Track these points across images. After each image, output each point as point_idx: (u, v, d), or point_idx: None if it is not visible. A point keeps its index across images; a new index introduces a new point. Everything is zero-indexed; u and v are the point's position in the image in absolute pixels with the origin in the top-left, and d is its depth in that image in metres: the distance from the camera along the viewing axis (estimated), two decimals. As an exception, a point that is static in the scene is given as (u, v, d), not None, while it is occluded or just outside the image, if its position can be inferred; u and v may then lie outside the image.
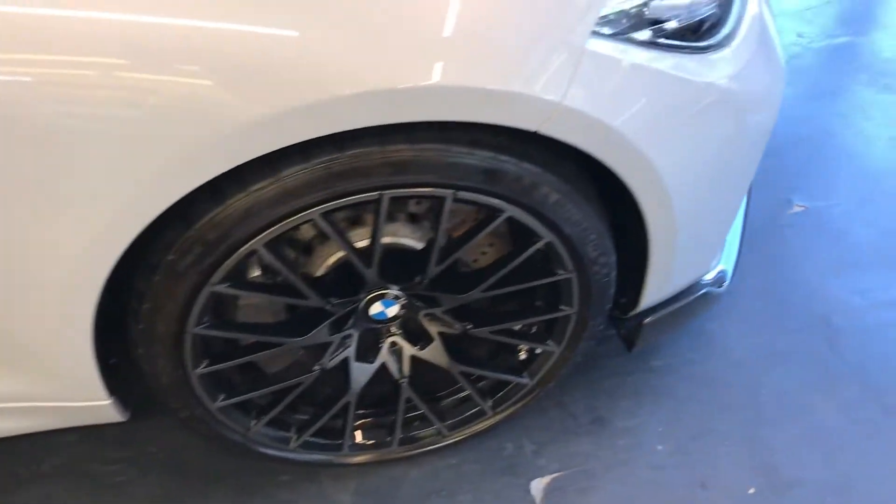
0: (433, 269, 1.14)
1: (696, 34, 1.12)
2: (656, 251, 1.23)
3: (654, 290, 1.31)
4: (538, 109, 0.97)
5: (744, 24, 1.20)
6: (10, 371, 1.12)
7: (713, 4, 1.12)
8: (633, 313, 1.37)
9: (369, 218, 1.15)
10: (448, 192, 1.05)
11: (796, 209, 2.04)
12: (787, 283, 1.84)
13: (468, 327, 1.26)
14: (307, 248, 1.20)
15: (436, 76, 0.91)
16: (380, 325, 1.25)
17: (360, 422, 1.41)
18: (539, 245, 1.14)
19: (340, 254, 1.16)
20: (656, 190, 1.12)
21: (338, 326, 1.22)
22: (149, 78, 0.84)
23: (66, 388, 1.15)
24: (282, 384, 1.25)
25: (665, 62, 1.06)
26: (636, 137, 1.05)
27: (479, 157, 1.02)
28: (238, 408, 1.27)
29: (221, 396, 1.23)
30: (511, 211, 1.09)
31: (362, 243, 1.16)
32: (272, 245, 1.04)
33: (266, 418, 1.28)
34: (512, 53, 0.95)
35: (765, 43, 1.24)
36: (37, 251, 0.95)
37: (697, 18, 1.11)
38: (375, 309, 1.22)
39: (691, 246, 1.29)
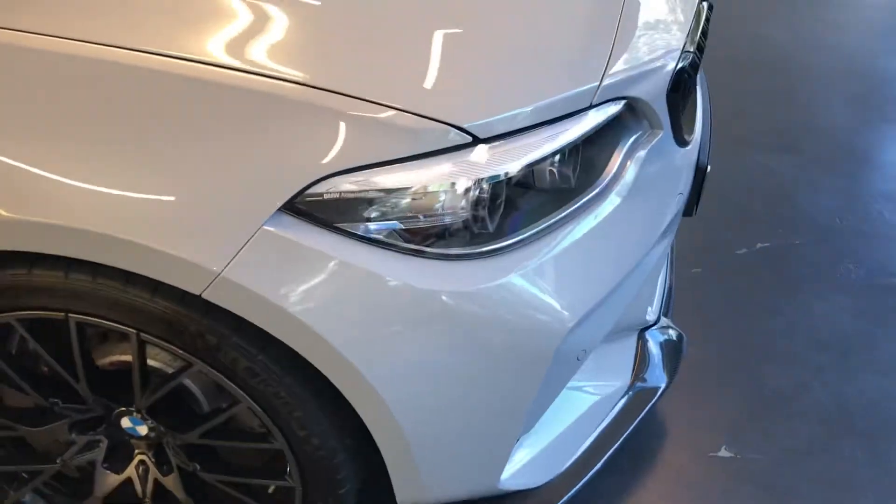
0: (140, 400, 1.17)
1: (437, 238, 1.08)
2: (384, 446, 1.16)
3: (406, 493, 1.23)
4: (199, 275, 0.99)
5: (541, 244, 1.13)
6: None
7: (445, 211, 1.06)
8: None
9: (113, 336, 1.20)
10: (132, 332, 1.08)
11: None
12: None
13: (197, 468, 1.26)
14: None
15: (92, 222, 0.96)
16: (133, 440, 1.29)
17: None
18: (235, 409, 1.13)
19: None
20: (359, 387, 1.07)
21: (83, 428, 1.27)
22: None
23: None
24: (24, 466, 1.32)
25: (367, 257, 1.03)
26: (316, 322, 1.02)
27: (161, 306, 1.05)
28: (1, 475, 1.36)
29: (-21, 459, 1.32)
30: (199, 366, 1.09)
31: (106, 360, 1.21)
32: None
33: (21, 492, 1.35)
34: (181, 217, 0.98)
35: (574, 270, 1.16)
36: None
37: (430, 223, 1.06)
38: (126, 423, 1.26)
39: (444, 456, 1.20)
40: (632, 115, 1.29)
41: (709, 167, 1.59)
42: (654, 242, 1.35)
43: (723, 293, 2.14)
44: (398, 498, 1.25)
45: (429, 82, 1.09)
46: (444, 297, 1.06)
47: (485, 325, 1.09)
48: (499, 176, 1.08)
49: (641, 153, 1.29)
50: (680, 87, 1.36)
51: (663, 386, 1.59)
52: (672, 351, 1.65)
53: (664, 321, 1.68)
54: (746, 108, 3.00)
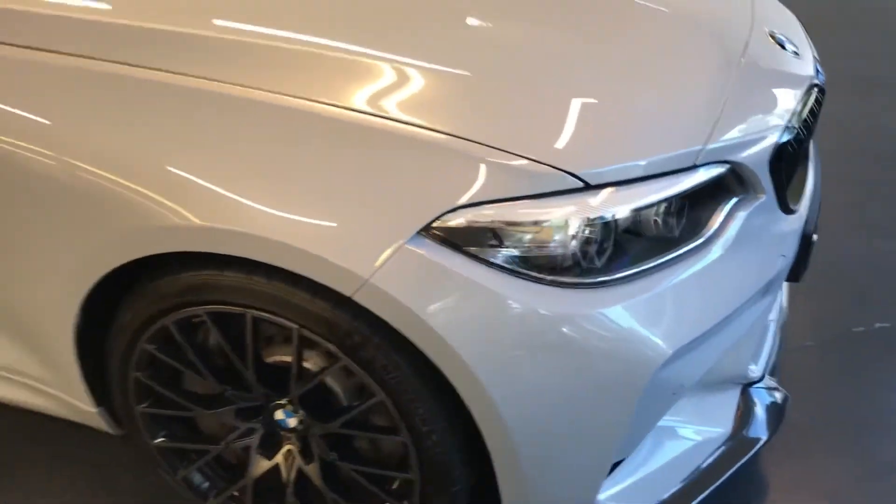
0: (294, 391, 1.40)
1: (559, 267, 1.27)
2: (496, 454, 1.33)
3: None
4: (350, 280, 1.22)
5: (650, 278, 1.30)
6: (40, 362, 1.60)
7: (559, 244, 1.25)
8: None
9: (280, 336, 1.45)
10: (295, 327, 1.32)
11: None
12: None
13: (335, 457, 1.47)
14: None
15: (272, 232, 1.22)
16: (283, 431, 1.52)
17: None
18: (373, 401, 1.34)
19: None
20: (480, 395, 1.26)
21: (246, 416, 1.52)
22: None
23: (64, 385, 1.60)
24: (195, 445, 1.57)
25: (491, 279, 1.23)
26: (448, 334, 1.22)
27: (320, 306, 1.28)
28: (174, 452, 1.61)
29: (161, 436, 1.58)
30: (345, 361, 1.31)
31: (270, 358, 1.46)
32: (181, 324, 1.40)
33: (189, 470, 1.60)
34: (340, 232, 1.22)
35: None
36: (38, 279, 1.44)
37: (547, 253, 1.26)
38: (279, 416, 1.49)
39: (548, 470, 1.36)
40: (736, 178, 1.45)
41: (815, 237, 1.71)
42: (752, 295, 1.48)
43: (835, 366, 2.19)
44: None
45: (552, 134, 1.31)
46: (557, 320, 1.24)
47: (590, 350, 1.26)
48: (606, 217, 1.27)
49: (743, 213, 1.44)
50: (783, 158, 1.51)
51: (764, 439, 1.68)
52: (775, 408, 1.74)
53: (769, 381, 1.77)
54: (871, 196, 3.04)
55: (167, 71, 1.33)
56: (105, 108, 1.34)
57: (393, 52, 1.41)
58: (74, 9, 1.43)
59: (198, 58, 1.34)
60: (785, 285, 1.94)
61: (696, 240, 1.39)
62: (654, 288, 1.31)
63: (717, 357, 1.47)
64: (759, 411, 1.72)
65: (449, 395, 1.30)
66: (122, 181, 1.29)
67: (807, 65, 1.77)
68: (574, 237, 1.26)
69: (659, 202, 1.32)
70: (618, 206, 1.28)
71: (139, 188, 1.28)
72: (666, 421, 1.55)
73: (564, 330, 1.24)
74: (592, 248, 1.28)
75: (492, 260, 1.24)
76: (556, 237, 1.25)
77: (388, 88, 1.34)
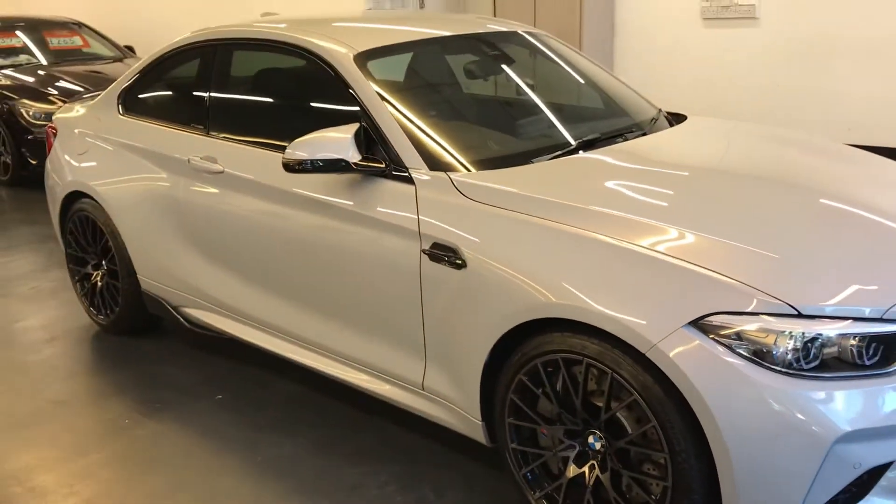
0: (603, 418, 2.32)
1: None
2: (722, 477, 2.11)
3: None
4: (644, 341, 2.14)
5: None
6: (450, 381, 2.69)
7: (782, 348, 2.07)
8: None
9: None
10: (609, 371, 2.25)
11: None
12: None
13: (620, 467, 2.32)
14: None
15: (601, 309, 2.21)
16: (590, 451, 2.42)
17: None
18: (648, 426, 2.20)
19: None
20: (716, 436, 2.08)
21: (569, 435, 2.44)
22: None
23: (463, 399, 2.66)
24: (536, 450, 2.52)
25: (736, 362, 2.08)
26: (702, 389, 2.08)
27: (627, 359, 2.21)
28: (522, 454, 2.57)
29: (515, 441, 2.56)
30: (636, 397, 2.21)
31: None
32: (544, 364, 2.40)
33: (522, 470, 2.55)
34: (640, 311, 2.17)
35: None
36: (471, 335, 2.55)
37: (771, 351, 2.08)
38: (590, 440, 2.41)
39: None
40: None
41: None
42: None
43: None
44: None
45: (779, 274, 2.17)
46: (773, 393, 2.05)
47: (792, 420, 2.04)
48: (808, 334, 2.07)
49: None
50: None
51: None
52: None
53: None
54: None
55: (565, 224, 2.43)
56: (535, 245, 2.47)
57: (695, 228, 2.38)
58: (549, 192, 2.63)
59: (580, 218, 2.44)
60: None
61: (888, 368, 2.11)
62: (845, 389, 2.07)
63: (890, 457, 2.11)
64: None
65: (696, 428, 2.14)
66: (526, 281, 2.39)
67: None
68: (788, 348, 2.07)
69: (851, 335, 2.09)
70: (819, 329, 2.08)
71: (532, 282, 2.37)
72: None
73: (776, 402, 2.04)
74: (800, 355, 2.08)
75: (731, 348, 2.10)
76: (773, 344, 2.08)
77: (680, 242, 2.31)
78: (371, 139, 2.88)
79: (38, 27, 8.89)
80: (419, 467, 2.95)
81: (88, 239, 4.17)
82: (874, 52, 6.53)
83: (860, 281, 2.23)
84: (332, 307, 3.06)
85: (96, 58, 8.85)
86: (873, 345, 2.13)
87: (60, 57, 8.62)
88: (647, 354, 2.16)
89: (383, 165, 2.84)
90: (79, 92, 7.31)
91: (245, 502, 2.81)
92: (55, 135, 4.47)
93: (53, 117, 4.60)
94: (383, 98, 2.98)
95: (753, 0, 7.01)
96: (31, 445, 3.23)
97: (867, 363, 2.11)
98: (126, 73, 4.17)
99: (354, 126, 2.85)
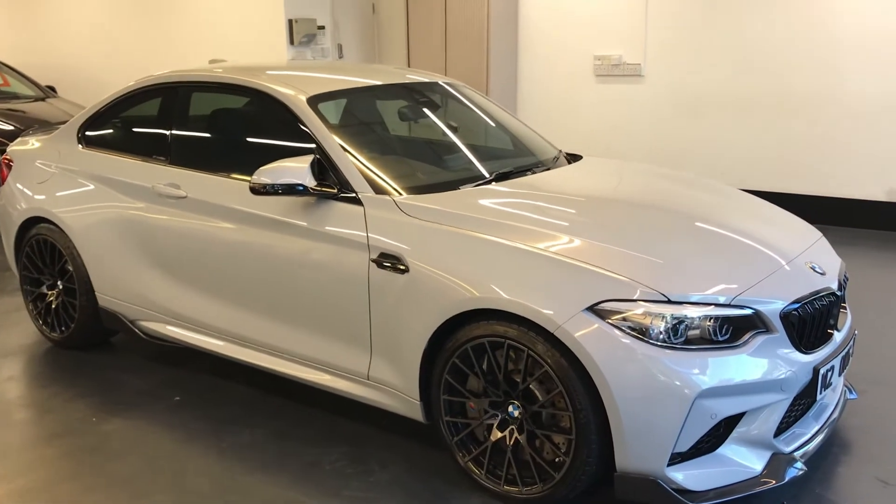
0: (520, 389, 2.90)
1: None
2: (613, 427, 2.72)
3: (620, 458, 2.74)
4: (552, 323, 2.74)
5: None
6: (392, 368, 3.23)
7: (657, 327, 2.71)
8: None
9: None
10: (524, 348, 2.84)
11: None
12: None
13: (533, 428, 2.91)
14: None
15: (512, 298, 2.82)
16: (509, 418, 2.99)
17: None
18: (555, 392, 2.79)
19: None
20: (608, 394, 2.69)
21: (493, 406, 3.01)
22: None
23: (404, 384, 3.20)
24: (464, 420, 3.08)
25: (621, 336, 2.70)
26: (599, 361, 2.69)
27: (538, 338, 2.81)
28: (454, 425, 3.12)
29: (449, 415, 3.11)
30: (546, 369, 2.80)
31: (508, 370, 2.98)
32: (474, 348, 2.97)
33: (460, 437, 3.10)
34: (549, 297, 2.78)
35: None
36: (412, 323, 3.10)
37: (648, 328, 2.72)
38: (510, 409, 2.98)
39: (638, 441, 2.71)
40: (759, 318, 2.83)
41: (826, 371, 2.98)
42: (761, 383, 2.79)
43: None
44: (616, 462, 2.76)
45: (656, 272, 2.82)
46: (652, 359, 2.67)
47: (668, 381, 2.66)
48: (676, 316, 2.71)
49: (761, 338, 2.81)
50: (789, 318, 2.87)
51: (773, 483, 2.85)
52: (786, 463, 2.91)
53: (797, 457, 2.96)
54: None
55: (487, 234, 3.03)
56: (464, 252, 3.05)
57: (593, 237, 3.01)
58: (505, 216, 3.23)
59: (499, 230, 3.04)
60: (840, 398, 3.25)
61: (731, 344, 2.77)
62: (704, 358, 2.71)
63: (737, 409, 2.76)
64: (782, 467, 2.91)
65: (593, 391, 2.74)
66: (457, 281, 2.96)
67: (830, 280, 3.13)
68: (660, 326, 2.71)
69: (707, 317, 2.75)
70: (684, 311, 2.73)
71: (461, 282, 2.95)
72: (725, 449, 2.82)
73: (654, 368, 2.67)
74: (671, 332, 2.72)
75: (624, 329, 2.72)
76: (647, 324, 2.72)
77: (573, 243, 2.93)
78: (324, 168, 3.43)
79: (-44, 65, 9.03)
80: (365, 448, 3.46)
81: (46, 261, 4.53)
82: (744, 109, 7.53)
83: (718, 279, 2.91)
84: (288, 313, 3.56)
85: (16, 97, 9.04)
86: (725, 325, 2.79)
87: (-21, 96, 8.77)
88: (555, 333, 2.76)
89: (335, 190, 3.39)
90: (6, 130, 7.55)
91: (216, 478, 3.25)
92: (9, 166, 4.83)
93: (8, 149, 4.95)
94: (333, 134, 3.54)
95: (639, 60, 7.94)
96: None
97: (720, 339, 2.77)
98: (84, 111, 4.60)
99: (310, 157, 3.39)
